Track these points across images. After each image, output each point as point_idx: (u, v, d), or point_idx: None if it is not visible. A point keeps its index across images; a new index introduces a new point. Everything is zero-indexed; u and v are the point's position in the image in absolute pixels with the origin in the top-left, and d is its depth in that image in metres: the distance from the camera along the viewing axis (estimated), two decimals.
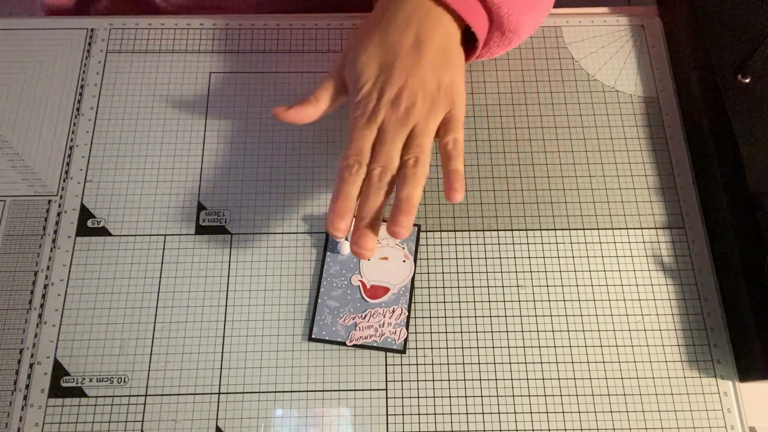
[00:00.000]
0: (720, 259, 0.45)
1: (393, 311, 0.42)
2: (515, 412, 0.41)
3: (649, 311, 0.43)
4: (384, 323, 0.42)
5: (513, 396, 0.41)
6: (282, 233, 0.45)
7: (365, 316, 0.42)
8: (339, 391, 0.41)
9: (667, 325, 0.43)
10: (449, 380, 0.41)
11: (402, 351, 0.42)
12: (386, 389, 0.41)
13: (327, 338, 0.42)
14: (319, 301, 0.43)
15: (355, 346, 0.42)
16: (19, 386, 0.41)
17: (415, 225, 0.45)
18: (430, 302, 0.43)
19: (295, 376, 0.41)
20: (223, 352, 0.42)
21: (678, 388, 0.41)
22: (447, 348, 0.42)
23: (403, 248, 0.44)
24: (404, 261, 0.44)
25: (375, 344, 0.42)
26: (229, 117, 0.48)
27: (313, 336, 0.42)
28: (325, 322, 0.42)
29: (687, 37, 0.49)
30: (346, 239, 0.44)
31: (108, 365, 0.41)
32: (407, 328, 0.42)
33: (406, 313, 0.43)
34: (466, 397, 0.41)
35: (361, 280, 0.43)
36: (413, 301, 0.43)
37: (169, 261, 0.44)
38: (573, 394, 0.41)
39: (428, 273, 0.44)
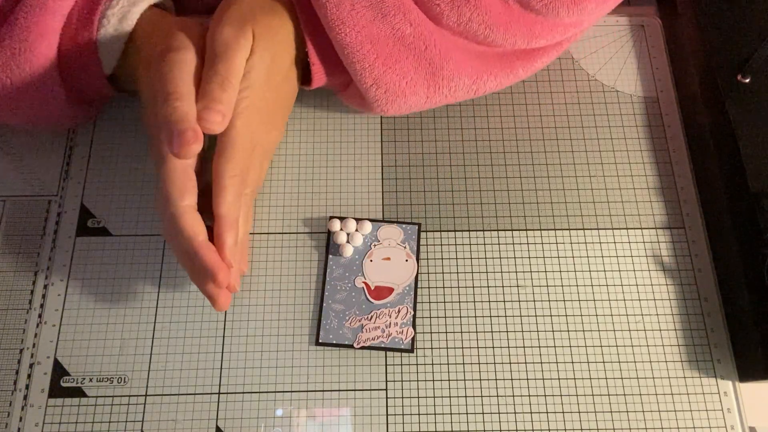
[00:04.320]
0: (720, 259, 0.45)
1: (399, 311, 0.42)
2: (515, 412, 0.41)
3: (649, 311, 0.43)
4: (390, 323, 0.42)
5: (513, 396, 0.41)
6: (282, 233, 0.45)
7: (371, 317, 0.42)
8: (339, 391, 0.41)
9: (667, 325, 0.43)
10: (449, 380, 0.41)
11: (410, 350, 0.42)
12: (386, 389, 0.41)
13: (334, 342, 0.42)
14: (324, 305, 0.43)
15: (363, 348, 0.42)
16: (19, 386, 0.41)
17: (414, 224, 0.45)
18: (429, 302, 0.43)
19: (295, 376, 0.41)
20: (223, 352, 0.42)
21: (678, 388, 0.41)
22: (447, 348, 0.42)
23: (405, 247, 0.44)
24: (407, 260, 0.44)
25: (383, 345, 0.42)
26: None
27: (320, 341, 0.42)
28: (332, 325, 0.42)
29: (687, 36, 0.49)
30: (348, 242, 0.44)
31: (108, 365, 0.41)
32: (414, 327, 0.42)
33: (412, 312, 0.43)
34: (466, 397, 0.41)
35: (365, 282, 0.43)
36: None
37: (169, 261, 0.44)
38: (573, 394, 0.41)
39: (427, 273, 0.44)
